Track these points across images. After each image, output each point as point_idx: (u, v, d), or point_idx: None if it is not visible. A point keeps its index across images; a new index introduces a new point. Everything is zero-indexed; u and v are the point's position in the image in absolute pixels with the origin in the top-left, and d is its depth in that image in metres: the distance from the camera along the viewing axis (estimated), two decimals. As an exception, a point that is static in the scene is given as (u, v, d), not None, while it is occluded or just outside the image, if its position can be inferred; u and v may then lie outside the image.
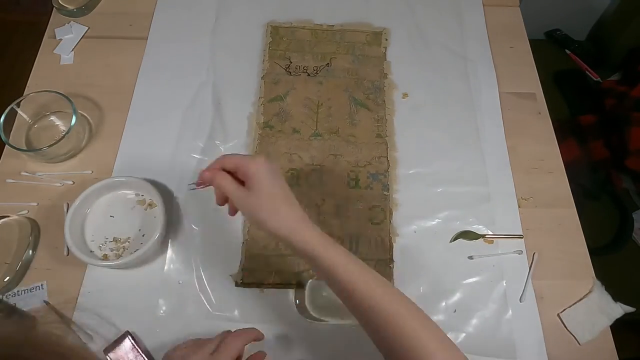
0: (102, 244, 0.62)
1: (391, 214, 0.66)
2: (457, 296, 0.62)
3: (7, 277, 0.60)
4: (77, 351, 0.25)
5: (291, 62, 0.79)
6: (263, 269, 0.62)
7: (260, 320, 0.59)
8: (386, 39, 0.82)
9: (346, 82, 0.77)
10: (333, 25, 0.83)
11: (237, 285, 0.61)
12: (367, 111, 0.75)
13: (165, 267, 0.62)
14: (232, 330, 0.51)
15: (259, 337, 0.52)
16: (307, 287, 0.60)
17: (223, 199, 0.50)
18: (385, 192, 0.68)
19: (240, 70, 0.78)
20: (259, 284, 0.61)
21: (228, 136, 0.72)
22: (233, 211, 0.51)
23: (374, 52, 0.81)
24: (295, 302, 0.59)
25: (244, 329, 0.51)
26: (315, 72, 0.78)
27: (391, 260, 0.63)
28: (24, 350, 0.23)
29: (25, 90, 0.75)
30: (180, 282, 0.61)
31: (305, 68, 0.78)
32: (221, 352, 0.47)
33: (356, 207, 0.67)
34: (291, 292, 0.60)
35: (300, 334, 0.59)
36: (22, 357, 0.23)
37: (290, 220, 0.45)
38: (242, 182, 0.47)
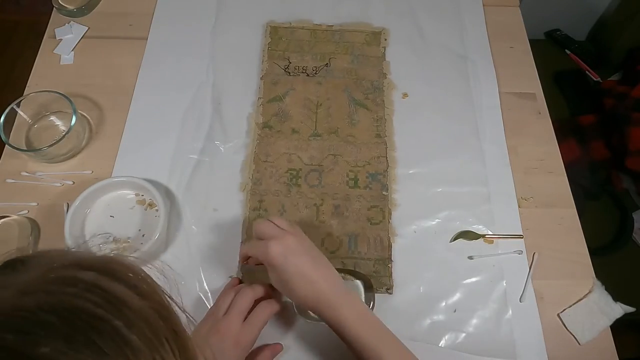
0: (102, 244, 0.62)
1: (390, 214, 0.66)
2: (457, 296, 0.62)
3: (7, 277, 0.60)
4: (143, 271, 0.31)
5: (290, 63, 0.79)
6: (262, 269, 0.62)
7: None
8: (385, 39, 0.82)
9: (345, 82, 0.77)
10: (332, 26, 0.83)
11: (236, 285, 0.61)
12: (366, 111, 0.75)
13: (165, 267, 0.62)
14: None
15: (261, 294, 0.56)
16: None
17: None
18: (384, 192, 0.68)
19: (240, 70, 0.78)
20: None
21: (228, 136, 0.72)
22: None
23: (373, 52, 0.81)
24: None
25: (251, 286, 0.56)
26: (314, 72, 0.78)
27: (390, 259, 0.63)
28: (112, 264, 0.30)
29: (25, 90, 0.75)
30: (182, 282, 0.61)
31: (304, 68, 0.78)
32: (231, 312, 0.52)
33: (355, 207, 0.67)
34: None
35: (300, 334, 0.59)
36: (110, 269, 0.29)
37: (310, 296, 0.49)
38: None
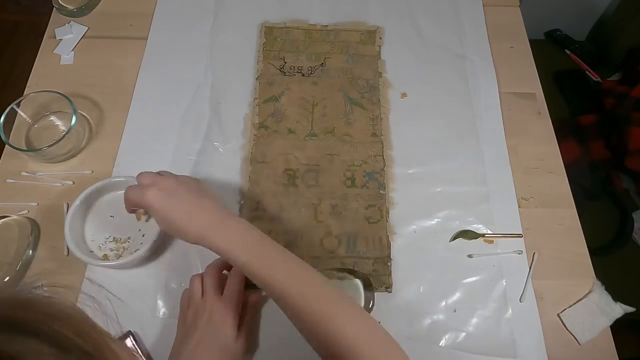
0: (102, 244, 0.62)
1: (388, 212, 0.66)
2: (457, 295, 0.62)
3: (7, 277, 0.60)
4: (68, 311, 0.25)
5: (285, 63, 0.79)
6: None
7: (257, 320, 0.59)
8: (380, 38, 0.82)
9: (341, 82, 0.77)
10: (327, 25, 0.83)
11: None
12: (362, 110, 0.75)
13: (165, 268, 0.62)
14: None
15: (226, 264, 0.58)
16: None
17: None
18: (381, 191, 0.68)
19: (236, 71, 0.78)
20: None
21: (226, 137, 0.72)
22: None
23: (368, 50, 0.80)
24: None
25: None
26: (309, 72, 0.78)
27: (389, 258, 0.63)
28: (15, 311, 0.23)
29: (25, 90, 0.75)
30: (182, 284, 0.61)
31: (299, 68, 0.78)
32: (227, 296, 0.54)
33: (353, 206, 0.67)
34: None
35: (298, 333, 0.59)
36: (13, 317, 0.23)
37: (192, 234, 0.48)
38: None
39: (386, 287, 0.61)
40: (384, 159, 0.70)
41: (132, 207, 0.55)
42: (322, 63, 0.79)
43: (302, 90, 0.76)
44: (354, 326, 0.45)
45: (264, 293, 0.59)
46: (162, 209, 0.49)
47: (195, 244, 0.49)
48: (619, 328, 0.61)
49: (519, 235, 0.66)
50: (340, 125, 0.73)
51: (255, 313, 0.58)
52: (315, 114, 0.74)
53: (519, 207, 0.68)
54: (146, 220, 0.64)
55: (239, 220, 0.50)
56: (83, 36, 0.81)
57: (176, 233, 0.50)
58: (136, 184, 0.52)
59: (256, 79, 0.77)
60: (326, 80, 0.77)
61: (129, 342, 0.56)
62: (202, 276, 0.57)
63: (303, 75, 0.78)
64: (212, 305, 0.53)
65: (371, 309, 0.59)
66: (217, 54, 0.79)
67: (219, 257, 0.57)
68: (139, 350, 0.56)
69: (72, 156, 0.70)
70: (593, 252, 0.66)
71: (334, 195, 0.67)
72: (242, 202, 0.67)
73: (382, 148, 0.71)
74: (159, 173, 0.53)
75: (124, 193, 0.53)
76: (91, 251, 0.62)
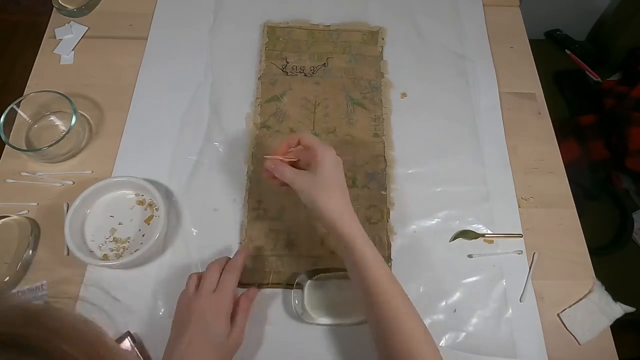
0: (102, 244, 0.62)
1: (389, 213, 0.66)
2: (457, 295, 0.62)
3: (7, 277, 0.60)
4: (79, 327, 0.25)
5: (288, 62, 0.79)
6: (261, 269, 0.62)
7: (258, 321, 0.59)
8: (382, 38, 0.82)
9: (343, 82, 0.77)
10: (329, 25, 0.83)
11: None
12: (364, 110, 0.75)
13: (165, 268, 0.62)
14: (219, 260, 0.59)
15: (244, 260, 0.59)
16: (305, 288, 0.60)
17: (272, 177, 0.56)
18: (382, 192, 0.68)
19: (238, 71, 0.78)
20: (257, 284, 0.61)
21: (227, 137, 0.72)
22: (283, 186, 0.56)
23: (370, 51, 0.81)
24: (294, 302, 0.59)
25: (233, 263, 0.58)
26: (312, 72, 0.78)
27: (389, 258, 0.63)
28: (24, 328, 0.23)
29: (25, 90, 0.75)
30: (182, 284, 0.61)
31: (302, 68, 0.78)
32: (222, 288, 0.55)
33: (354, 206, 0.65)
34: (289, 293, 0.60)
35: (298, 334, 0.59)
36: (22, 335, 0.23)
37: (341, 207, 0.52)
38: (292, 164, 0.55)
39: (386, 287, 0.61)
40: (385, 159, 0.70)
41: (304, 146, 0.56)
42: (325, 63, 0.79)
43: (304, 90, 0.76)
44: (409, 320, 0.49)
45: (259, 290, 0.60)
46: (330, 174, 0.52)
47: (327, 217, 0.51)
48: (619, 328, 0.61)
49: (519, 235, 0.66)
50: (342, 126, 0.73)
51: (247, 309, 0.57)
52: (317, 114, 0.74)
53: (519, 207, 0.68)
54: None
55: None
56: (83, 36, 0.81)
57: (323, 201, 0.51)
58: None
59: (258, 78, 0.77)
60: (328, 80, 0.77)
61: (127, 342, 0.56)
62: (199, 275, 0.57)
63: (305, 75, 0.78)
64: (205, 301, 0.53)
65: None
66: (217, 54, 0.79)
67: (222, 256, 0.59)
68: (137, 351, 0.56)
69: (72, 156, 0.70)
70: (593, 252, 0.66)
71: (335, 195, 0.67)
72: (242, 201, 0.67)
73: (384, 149, 0.71)
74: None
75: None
76: (91, 251, 0.62)
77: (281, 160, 0.55)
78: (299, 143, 0.56)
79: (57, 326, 0.24)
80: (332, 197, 0.51)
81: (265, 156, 0.56)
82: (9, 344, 0.22)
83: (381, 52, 0.81)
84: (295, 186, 0.53)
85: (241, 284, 0.61)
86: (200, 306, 0.53)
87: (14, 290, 0.60)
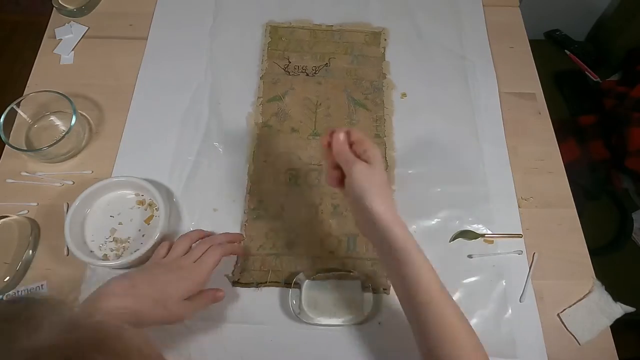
0: (102, 244, 0.62)
1: (391, 213, 0.66)
2: (456, 296, 0.62)
3: (7, 277, 0.60)
4: (142, 348, 0.26)
5: (290, 62, 0.79)
6: (259, 268, 0.62)
7: (257, 320, 0.59)
8: (385, 39, 0.82)
9: (345, 82, 0.77)
10: (332, 26, 0.83)
11: (233, 284, 0.61)
12: (365, 111, 0.75)
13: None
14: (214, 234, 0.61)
15: (236, 252, 0.61)
16: (303, 287, 0.60)
17: (334, 165, 0.52)
18: (384, 192, 0.68)
19: (239, 71, 0.78)
20: (256, 284, 0.61)
21: (227, 137, 0.72)
22: (335, 182, 0.52)
23: (372, 52, 0.81)
24: (292, 302, 0.59)
25: (226, 236, 0.60)
26: (314, 72, 0.78)
27: (391, 260, 0.63)
28: (92, 354, 0.23)
29: (25, 90, 0.75)
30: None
31: (304, 68, 0.78)
32: (203, 260, 0.55)
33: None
34: (288, 292, 0.60)
35: (297, 333, 0.59)
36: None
37: (394, 211, 0.50)
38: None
39: (384, 289, 0.61)
40: (386, 160, 0.70)
41: (354, 140, 0.51)
42: (327, 63, 0.79)
43: (306, 90, 0.76)
44: (457, 323, 0.48)
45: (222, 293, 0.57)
46: (383, 170, 0.50)
47: (381, 218, 0.48)
48: (619, 328, 0.61)
49: (519, 236, 0.66)
50: (344, 126, 0.73)
51: (210, 301, 0.55)
52: (319, 114, 0.74)
53: (519, 207, 0.68)
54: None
55: None
56: (83, 36, 0.81)
57: (372, 200, 0.48)
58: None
59: (260, 78, 0.77)
60: (330, 80, 0.77)
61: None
62: (170, 244, 0.58)
63: (307, 75, 0.78)
64: (189, 265, 0.54)
65: (370, 309, 0.59)
66: (217, 54, 0.79)
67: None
68: None
69: (72, 156, 0.70)
70: (593, 252, 0.66)
71: (336, 195, 0.67)
72: (242, 201, 0.67)
73: (385, 150, 0.71)
74: None
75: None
76: (91, 251, 0.62)
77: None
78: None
79: (125, 352, 0.25)
80: (386, 199, 0.49)
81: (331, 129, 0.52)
82: None
83: (383, 53, 0.81)
84: (351, 173, 0.49)
85: (241, 284, 0.61)
86: (185, 266, 0.54)
87: (14, 290, 0.60)
